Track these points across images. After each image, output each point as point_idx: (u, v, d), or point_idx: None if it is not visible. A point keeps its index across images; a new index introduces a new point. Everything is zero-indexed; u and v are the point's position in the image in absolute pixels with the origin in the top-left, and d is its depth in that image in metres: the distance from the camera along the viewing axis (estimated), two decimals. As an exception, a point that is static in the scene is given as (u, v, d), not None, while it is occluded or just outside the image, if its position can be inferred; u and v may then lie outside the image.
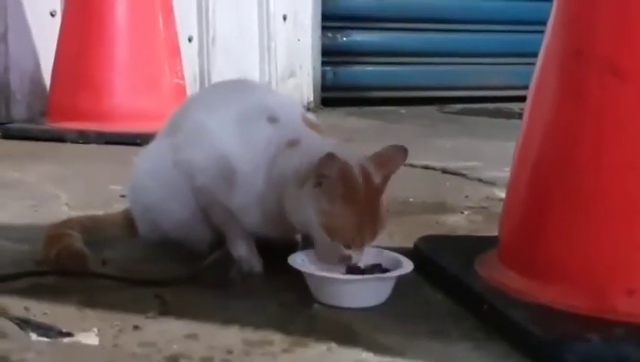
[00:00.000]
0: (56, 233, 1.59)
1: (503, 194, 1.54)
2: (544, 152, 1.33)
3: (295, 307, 1.36)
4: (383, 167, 1.40)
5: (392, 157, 1.42)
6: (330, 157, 1.34)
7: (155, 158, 1.63)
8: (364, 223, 1.37)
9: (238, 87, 1.69)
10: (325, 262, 1.40)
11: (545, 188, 1.32)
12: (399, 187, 2.34)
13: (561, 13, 1.35)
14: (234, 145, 1.50)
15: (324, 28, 4.69)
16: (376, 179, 1.39)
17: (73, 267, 1.50)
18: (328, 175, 1.34)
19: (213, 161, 1.51)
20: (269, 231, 1.52)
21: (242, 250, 1.54)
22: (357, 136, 3.22)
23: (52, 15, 3.74)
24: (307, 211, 1.38)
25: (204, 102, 1.64)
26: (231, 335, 1.24)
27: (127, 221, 1.72)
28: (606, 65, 1.23)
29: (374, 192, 1.39)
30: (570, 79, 1.30)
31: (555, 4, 1.36)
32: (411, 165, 2.75)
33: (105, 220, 1.75)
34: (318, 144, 1.46)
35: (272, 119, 1.51)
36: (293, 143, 1.47)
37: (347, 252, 1.37)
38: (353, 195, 1.36)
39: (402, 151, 1.43)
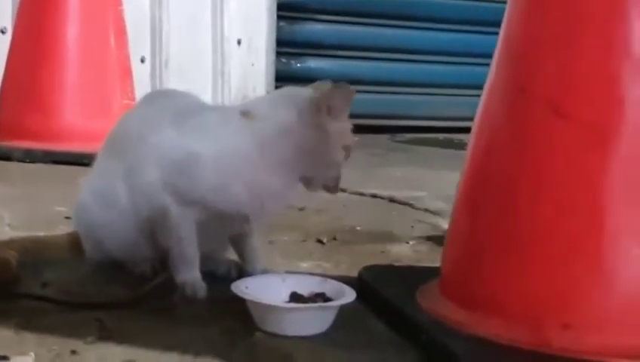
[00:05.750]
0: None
1: (447, 226, 1.55)
2: (485, 188, 1.35)
3: (237, 334, 1.36)
4: None
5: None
6: (337, 86, 1.52)
7: (100, 179, 1.63)
8: None
9: (166, 94, 1.81)
10: (318, 188, 1.55)
11: (485, 224, 1.34)
12: (347, 215, 2.38)
13: (505, 49, 1.36)
14: (188, 139, 1.52)
15: (278, 53, 4.71)
16: None
17: None
18: (336, 102, 1.51)
19: (175, 163, 1.51)
20: (247, 207, 1.52)
21: (186, 275, 1.53)
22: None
23: (2, 32, 3.71)
24: (327, 141, 1.51)
25: (141, 117, 1.64)
26: (170, 362, 1.23)
27: (72, 243, 1.70)
28: (548, 104, 1.25)
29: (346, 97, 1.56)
30: (512, 116, 1.32)
31: (500, 39, 1.38)
32: (360, 194, 2.77)
33: (48, 241, 1.73)
34: (278, 97, 1.60)
35: (207, 106, 1.66)
36: (246, 113, 1.53)
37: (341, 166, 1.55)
38: (344, 106, 1.55)
39: None
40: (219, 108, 1.65)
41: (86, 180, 1.67)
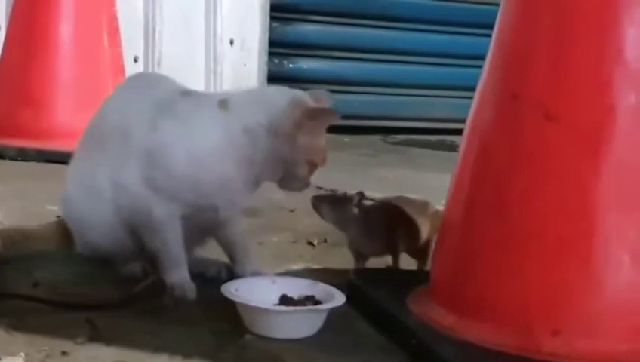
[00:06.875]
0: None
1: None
2: (477, 192, 1.36)
3: (227, 336, 1.36)
4: (319, 101, 1.55)
5: (322, 96, 1.57)
6: (296, 104, 1.49)
7: (84, 171, 1.62)
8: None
9: (144, 82, 1.72)
10: (290, 190, 1.55)
11: (477, 228, 1.34)
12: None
13: (498, 54, 1.37)
14: (164, 130, 1.52)
15: (270, 54, 4.71)
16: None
17: None
18: (301, 119, 1.48)
19: (151, 155, 1.51)
20: (217, 200, 1.53)
21: (175, 276, 1.53)
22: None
23: (-4, 30, 3.70)
24: (290, 151, 1.49)
25: (123, 107, 1.62)
26: (160, 364, 1.24)
27: (60, 235, 1.69)
28: (540, 109, 1.26)
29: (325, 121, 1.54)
30: (504, 121, 1.32)
31: (492, 44, 1.39)
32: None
33: (35, 234, 1.73)
34: (257, 94, 1.60)
35: (186, 93, 1.61)
36: (223, 103, 1.53)
37: (309, 177, 1.53)
38: (320, 127, 1.52)
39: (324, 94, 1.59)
40: (198, 97, 1.61)
41: (70, 171, 1.67)
